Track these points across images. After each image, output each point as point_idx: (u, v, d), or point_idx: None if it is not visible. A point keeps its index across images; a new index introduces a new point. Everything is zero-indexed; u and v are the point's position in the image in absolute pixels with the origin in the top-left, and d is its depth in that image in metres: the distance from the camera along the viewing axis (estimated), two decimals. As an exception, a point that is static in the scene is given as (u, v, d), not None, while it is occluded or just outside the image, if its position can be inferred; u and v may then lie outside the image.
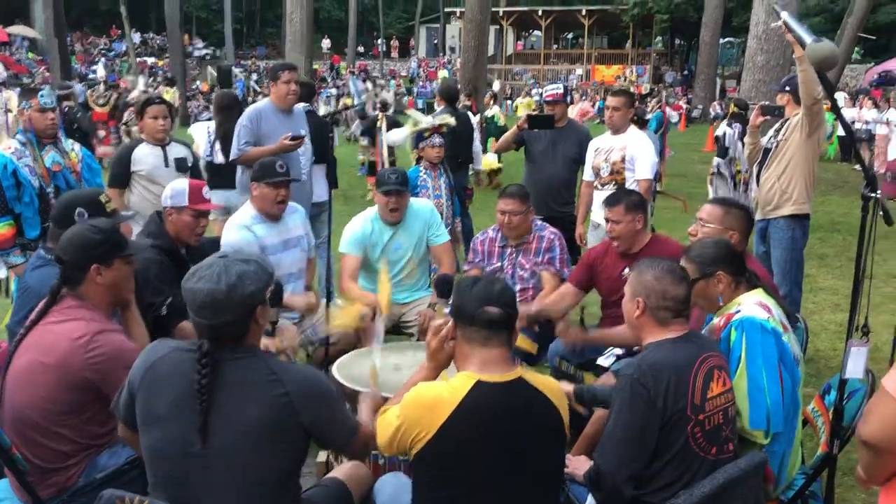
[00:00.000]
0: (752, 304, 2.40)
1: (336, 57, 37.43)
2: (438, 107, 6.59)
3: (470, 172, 6.68)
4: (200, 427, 1.74)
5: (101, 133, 12.87)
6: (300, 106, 5.04)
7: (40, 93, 3.98)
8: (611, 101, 4.79)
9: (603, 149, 4.77)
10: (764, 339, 2.30)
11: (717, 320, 2.48)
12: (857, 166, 14.28)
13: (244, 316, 1.81)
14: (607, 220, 3.45)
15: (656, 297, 2.15)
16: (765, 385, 2.26)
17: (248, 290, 1.79)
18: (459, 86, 6.81)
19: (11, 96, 9.31)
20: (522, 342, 3.33)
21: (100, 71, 23.23)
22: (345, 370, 2.97)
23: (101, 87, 15.60)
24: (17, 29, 29.41)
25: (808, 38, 2.01)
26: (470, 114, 6.86)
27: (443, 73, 31.98)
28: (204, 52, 35.72)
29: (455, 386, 1.86)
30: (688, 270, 2.45)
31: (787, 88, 4.47)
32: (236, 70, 27.30)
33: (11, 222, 3.83)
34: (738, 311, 2.40)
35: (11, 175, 3.79)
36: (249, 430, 1.76)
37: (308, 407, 1.83)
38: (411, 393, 1.91)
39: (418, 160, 5.20)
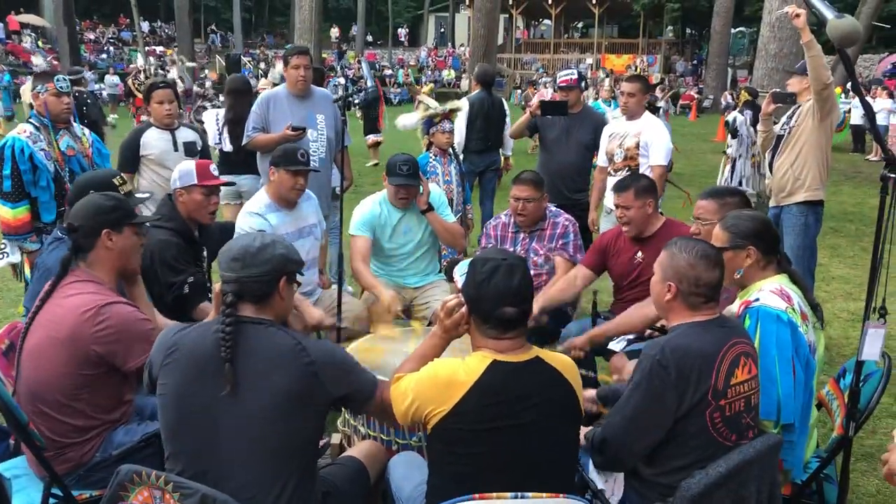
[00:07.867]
0: (770, 293, 2.34)
1: (371, 54, 36.01)
2: (474, 91, 6.62)
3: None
4: (226, 374, 1.77)
5: (144, 117, 13.22)
6: (323, 91, 4.98)
7: (56, 77, 3.97)
8: (626, 86, 4.73)
9: (617, 134, 4.73)
10: (779, 331, 2.25)
11: (735, 306, 2.42)
12: (869, 157, 14.18)
13: (269, 275, 1.89)
14: (617, 207, 3.41)
15: (689, 283, 2.07)
16: (777, 376, 2.22)
17: (278, 252, 1.92)
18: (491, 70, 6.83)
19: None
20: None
21: (139, 60, 23.44)
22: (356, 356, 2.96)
23: (142, 75, 16.14)
24: (27, 18, 29.45)
25: (829, 14, 1.98)
26: (504, 100, 6.82)
27: (447, 73, 31.91)
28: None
29: (471, 365, 1.85)
30: (719, 238, 2.42)
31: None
32: (245, 59, 27.24)
33: (28, 207, 3.83)
34: (756, 300, 2.34)
35: (28, 159, 3.78)
36: (275, 398, 1.78)
37: (333, 375, 1.88)
38: (427, 369, 1.91)
39: (428, 146, 5.18)
